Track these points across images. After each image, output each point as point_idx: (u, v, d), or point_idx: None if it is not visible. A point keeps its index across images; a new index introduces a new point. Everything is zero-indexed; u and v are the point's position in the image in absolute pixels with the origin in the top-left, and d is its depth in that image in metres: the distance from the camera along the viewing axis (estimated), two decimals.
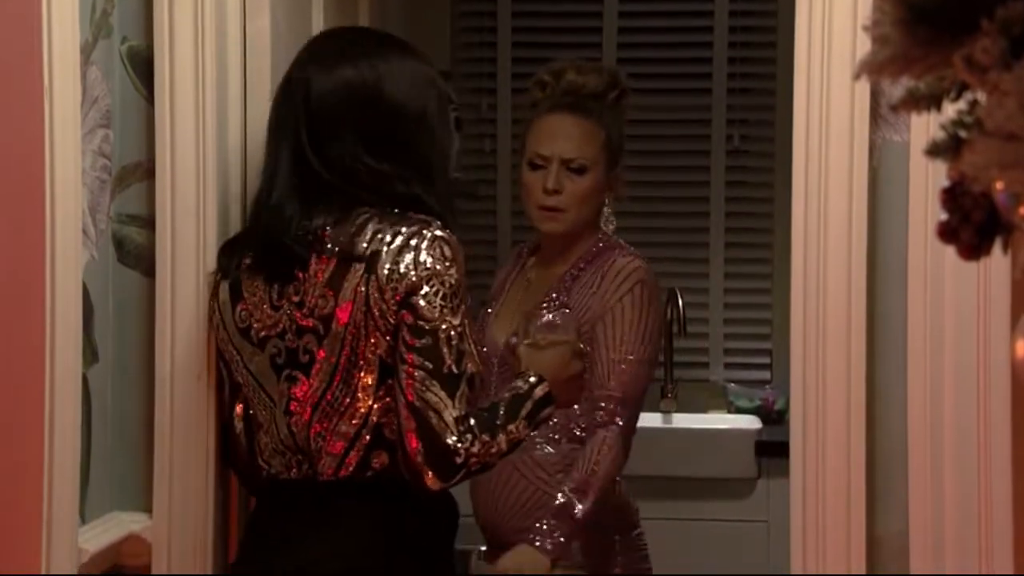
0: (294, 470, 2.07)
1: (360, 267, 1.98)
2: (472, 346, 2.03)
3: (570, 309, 2.63)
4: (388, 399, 1.99)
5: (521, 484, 2.63)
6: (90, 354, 2.15)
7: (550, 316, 2.37)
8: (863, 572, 2.07)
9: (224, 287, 2.13)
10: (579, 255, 2.71)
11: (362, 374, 1.99)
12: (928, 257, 2.01)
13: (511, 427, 2.01)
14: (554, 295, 2.68)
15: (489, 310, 2.82)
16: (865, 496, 2.07)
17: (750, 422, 4.10)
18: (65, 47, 1.94)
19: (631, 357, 2.58)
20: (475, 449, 1.95)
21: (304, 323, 2.02)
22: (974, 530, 1.99)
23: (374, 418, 2.00)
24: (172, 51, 2.19)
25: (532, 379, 2.09)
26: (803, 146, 2.08)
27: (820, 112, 2.06)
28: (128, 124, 2.23)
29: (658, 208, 4.42)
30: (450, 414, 1.93)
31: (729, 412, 4.24)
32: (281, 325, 2.05)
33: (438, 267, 1.96)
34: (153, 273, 2.22)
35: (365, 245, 1.99)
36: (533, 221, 2.73)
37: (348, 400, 2.01)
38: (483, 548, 2.94)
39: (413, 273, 1.95)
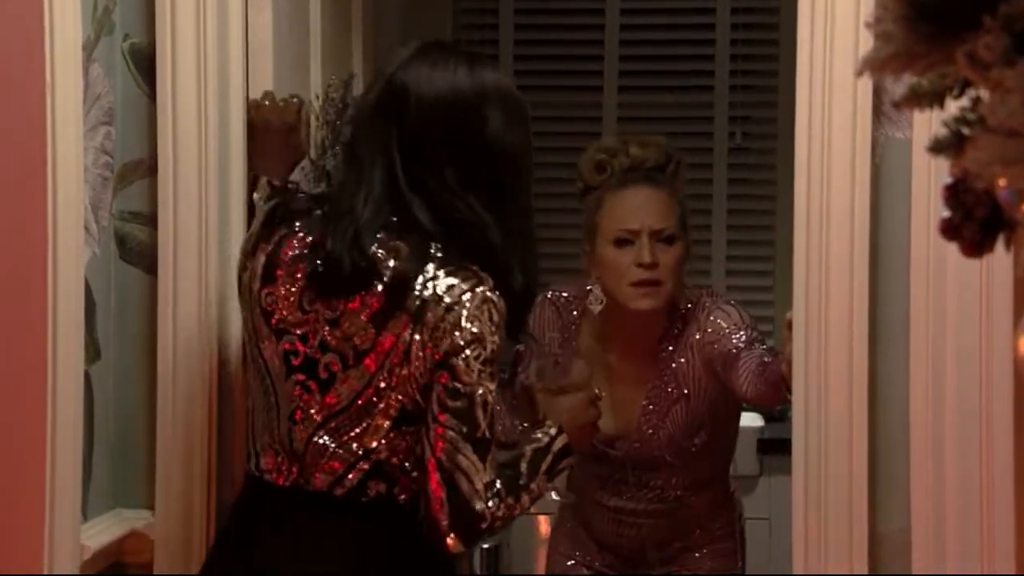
0: (283, 477, 2.00)
1: (408, 316, 1.91)
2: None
3: (689, 402, 2.63)
4: (398, 442, 1.94)
5: (671, 524, 2.72)
6: (92, 351, 2.15)
7: (563, 364, 2.35)
8: (865, 569, 2.07)
9: (261, 259, 2.01)
10: (666, 334, 2.65)
11: (379, 417, 1.93)
12: (931, 254, 2.00)
13: (533, 486, 2.00)
14: (664, 387, 2.65)
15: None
16: (867, 493, 2.07)
17: (752, 419, 4.09)
18: (67, 44, 1.95)
19: (753, 335, 2.58)
20: (501, 513, 1.93)
21: (333, 343, 1.94)
22: (976, 526, 1.99)
23: (379, 456, 1.95)
24: (174, 48, 2.19)
25: (552, 431, 2.07)
26: (805, 143, 2.08)
27: (822, 109, 2.06)
28: (130, 121, 2.24)
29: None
30: (481, 480, 1.90)
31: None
32: (305, 329, 1.97)
33: (484, 331, 1.90)
34: (155, 270, 2.22)
35: (417, 292, 1.91)
36: (624, 300, 2.59)
37: (356, 432, 1.94)
38: (484, 546, 2.95)
39: (458, 334, 1.89)
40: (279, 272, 1.99)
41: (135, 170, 2.25)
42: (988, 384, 1.97)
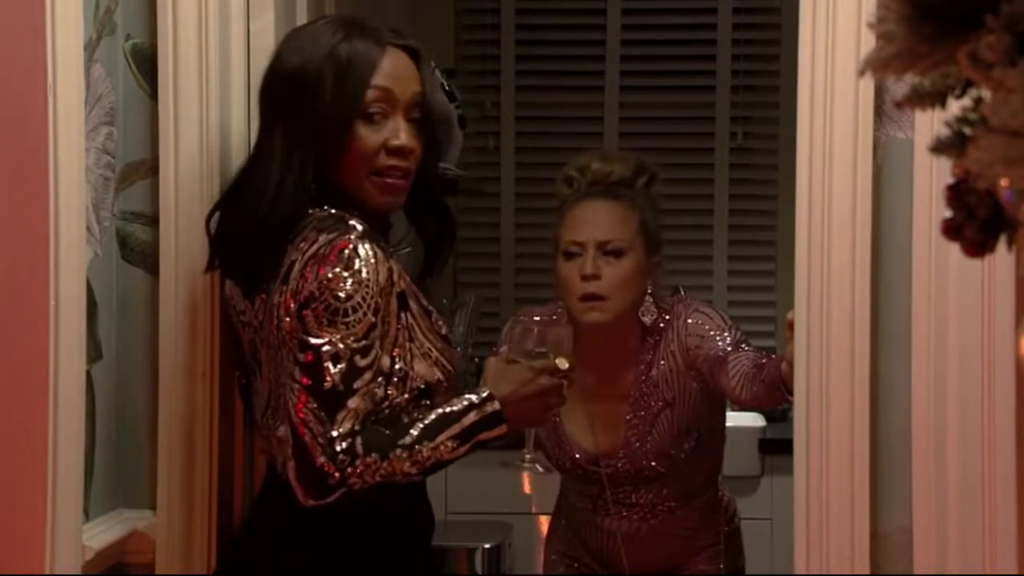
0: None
1: (280, 280, 1.94)
2: (410, 351, 1.96)
3: (674, 408, 2.61)
4: None
5: (662, 541, 2.71)
6: (94, 351, 2.15)
7: (537, 330, 2.30)
8: (867, 569, 2.07)
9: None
10: (642, 346, 2.62)
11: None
12: (932, 254, 2.00)
13: (421, 447, 1.89)
14: (647, 398, 2.62)
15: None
16: (869, 493, 2.07)
17: (754, 419, 4.10)
18: (69, 45, 1.94)
19: (738, 336, 2.57)
20: (355, 469, 1.85)
21: (255, 322, 2.03)
22: (978, 526, 1.99)
23: None
24: (176, 48, 2.19)
25: (474, 399, 1.97)
26: (807, 143, 2.08)
27: (824, 109, 2.06)
28: (132, 121, 2.24)
29: (662, 205, 4.42)
30: (326, 434, 1.85)
31: (733, 409, 4.24)
32: (247, 315, 2.05)
33: (334, 281, 1.87)
34: (157, 270, 2.22)
35: (293, 256, 1.93)
36: (574, 314, 2.55)
37: (284, 404, 1.96)
38: (486, 546, 2.92)
39: (306, 286, 1.88)
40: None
41: (137, 170, 2.25)
42: (990, 384, 1.97)
